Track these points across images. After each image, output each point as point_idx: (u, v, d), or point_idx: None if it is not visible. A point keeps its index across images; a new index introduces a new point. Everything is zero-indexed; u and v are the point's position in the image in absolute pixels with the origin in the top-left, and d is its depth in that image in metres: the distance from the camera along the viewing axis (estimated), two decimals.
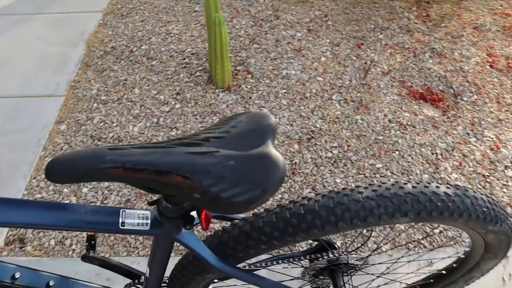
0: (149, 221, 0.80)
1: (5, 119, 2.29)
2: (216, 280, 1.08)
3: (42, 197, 1.90)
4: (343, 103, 2.32)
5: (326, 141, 2.12)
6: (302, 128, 2.18)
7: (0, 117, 2.30)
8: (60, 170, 0.64)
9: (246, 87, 2.41)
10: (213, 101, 2.33)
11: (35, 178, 1.99)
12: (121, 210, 0.80)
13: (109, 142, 2.15)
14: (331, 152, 2.07)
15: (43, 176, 1.99)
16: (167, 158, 0.64)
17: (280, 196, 1.87)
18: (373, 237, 1.73)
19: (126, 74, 2.55)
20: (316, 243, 1.14)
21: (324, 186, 1.91)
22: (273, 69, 2.53)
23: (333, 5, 3.08)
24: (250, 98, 2.35)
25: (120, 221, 0.78)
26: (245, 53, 2.65)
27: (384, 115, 2.25)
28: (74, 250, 1.71)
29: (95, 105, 2.36)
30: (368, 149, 2.08)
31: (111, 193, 1.91)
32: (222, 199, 0.64)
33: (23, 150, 2.12)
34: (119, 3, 3.21)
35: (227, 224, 0.94)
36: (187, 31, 2.86)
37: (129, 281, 1.18)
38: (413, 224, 1.09)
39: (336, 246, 1.15)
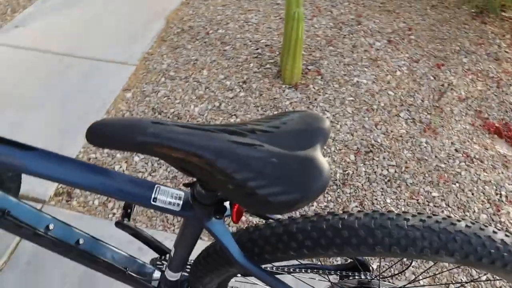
0: (181, 202, 0.79)
1: (78, 78, 2.37)
2: (239, 275, 1.05)
3: (96, 158, 1.95)
4: (410, 122, 2.21)
5: (384, 158, 2.02)
6: (362, 140, 2.10)
7: (73, 75, 2.39)
8: (100, 134, 0.63)
9: (314, 88, 2.35)
10: (278, 96, 2.29)
11: None
12: (156, 186, 0.79)
13: (168, 117, 2.17)
14: (387, 170, 1.97)
15: None
16: (207, 142, 0.61)
17: (325, 204, 1.81)
18: (413, 266, 1.63)
19: (198, 54, 2.57)
20: (350, 260, 1.08)
21: (372, 203, 1.83)
22: (345, 75, 2.45)
23: (419, 19, 2.93)
24: (315, 99, 2.29)
25: (153, 196, 0.78)
26: (319, 54, 2.58)
27: (452, 142, 2.11)
28: (114, 214, 1.74)
29: (163, 79, 2.39)
30: (426, 175, 1.96)
31: (160, 167, 1.92)
32: (256, 196, 0.61)
33: (87, 110, 2.19)
34: None
35: (260, 221, 0.90)
36: (265, 22, 2.84)
37: (156, 255, 1.17)
38: (458, 265, 0.99)
39: (370, 268, 1.08)
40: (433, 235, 0.71)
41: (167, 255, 1.15)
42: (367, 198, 1.84)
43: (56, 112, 2.16)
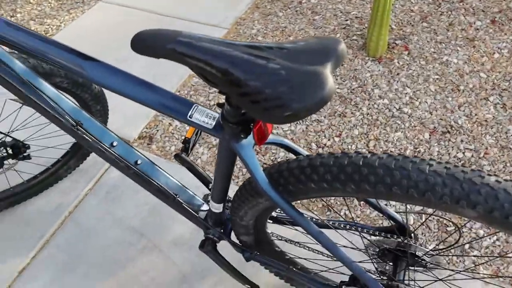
0: (214, 122, 0.86)
1: None
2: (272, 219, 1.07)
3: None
4: (499, 108, 2.04)
5: (462, 141, 1.90)
6: (440, 119, 1.99)
7: None
8: (140, 41, 0.71)
9: (398, 63, 2.26)
10: (359, 67, 2.25)
11: (178, 91, 2.19)
12: (194, 105, 0.86)
13: None
14: (463, 153, 1.86)
15: (186, 92, 2.18)
16: (223, 51, 0.66)
17: None
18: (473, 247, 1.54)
19: (288, 22, 2.59)
20: (391, 224, 1.07)
21: None
22: (434, 52, 2.32)
23: None
24: (397, 74, 2.20)
25: (190, 113, 0.85)
26: (410, 29, 2.47)
27: None
28: None
29: None
30: (508, 164, 1.81)
31: None
32: (260, 104, 0.65)
33: (173, 71, 2.33)
34: None
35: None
36: None
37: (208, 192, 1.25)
38: (479, 222, 0.93)
39: (411, 234, 1.06)
40: (455, 183, 0.68)
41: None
42: None
43: (150, 63, 2.33)
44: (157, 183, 1.10)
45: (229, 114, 0.80)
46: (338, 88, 2.16)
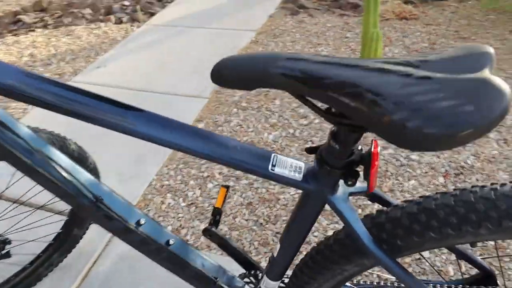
0: (302, 173, 0.68)
1: (153, 110, 2.35)
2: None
3: (169, 184, 1.86)
4: (502, 143, 1.96)
5: (477, 180, 1.77)
6: (450, 162, 1.87)
7: (151, 107, 2.37)
8: (226, 70, 0.55)
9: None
10: None
11: (166, 166, 1.97)
12: (273, 154, 0.69)
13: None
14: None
15: (174, 166, 1.97)
16: (359, 73, 0.51)
17: None
18: None
19: None
20: (477, 273, 0.88)
21: None
22: None
23: (498, 44, 2.72)
24: None
25: (270, 165, 0.68)
26: None
27: None
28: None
29: (235, 110, 2.32)
30: None
31: (235, 193, 1.79)
32: (421, 128, 0.49)
33: (155, 147, 2.13)
34: (273, 25, 3.24)
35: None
36: (336, 53, 2.74)
37: (243, 271, 1.02)
38: None
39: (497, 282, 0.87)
40: None
41: (258, 273, 1.00)
42: None
43: (128, 143, 2.12)
44: (194, 266, 0.87)
45: (333, 155, 0.64)
46: None
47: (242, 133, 2.14)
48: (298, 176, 0.68)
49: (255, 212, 1.71)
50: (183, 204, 1.78)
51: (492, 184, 0.61)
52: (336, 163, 0.65)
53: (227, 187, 1.06)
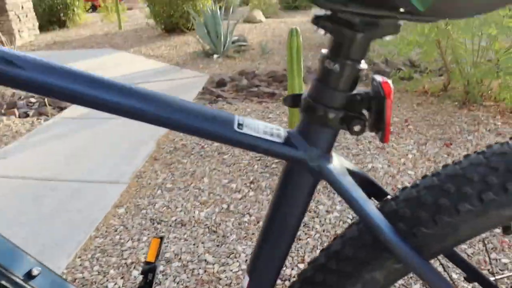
0: (282, 135, 0.48)
1: (64, 199, 1.98)
2: None
3: (83, 277, 1.47)
4: None
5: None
6: None
7: (60, 197, 2.00)
8: None
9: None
10: None
11: (79, 257, 1.58)
12: (237, 116, 0.49)
13: (170, 226, 1.75)
14: None
15: (89, 255, 1.59)
16: None
17: None
18: None
19: (195, 166, 2.26)
20: None
21: None
22: (357, 163, 2.15)
23: (410, 114, 2.79)
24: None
25: (236, 123, 0.47)
26: None
27: None
28: None
29: (159, 192, 2.03)
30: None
31: (167, 278, 1.44)
32: None
33: (74, 229, 1.75)
34: None
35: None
36: None
37: None
38: None
39: None
40: None
41: None
42: None
43: (30, 231, 1.71)
44: None
45: (331, 86, 0.47)
46: None
47: (169, 214, 1.83)
48: (277, 138, 0.46)
49: None
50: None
51: None
52: (335, 100, 0.46)
53: (161, 237, 0.79)
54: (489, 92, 2.95)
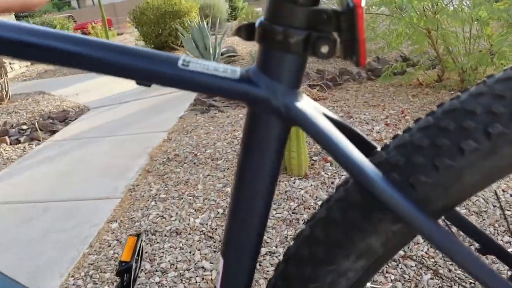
0: (237, 72, 0.40)
1: (56, 219, 1.89)
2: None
3: None
4: None
5: None
6: None
7: (53, 216, 1.91)
8: None
9: (326, 174, 1.94)
10: (289, 188, 1.85)
11: (72, 276, 1.49)
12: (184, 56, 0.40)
13: (165, 235, 1.66)
14: None
15: (83, 273, 1.49)
16: None
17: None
18: None
19: (189, 174, 2.17)
20: None
21: None
22: None
23: (407, 105, 2.71)
24: (332, 182, 1.85)
25: (181, 61, 0.39)
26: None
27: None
28: None
29: (153, 203, 1.94)
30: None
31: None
32: None
33: (66, 247, 1.66)
34: (184, 123, 3.03)
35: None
36: None
37: None
38: None
39: None
40: None
41: None
42: None
43: (19, 253, 1.62)
44: None
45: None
46: (276, 213, 1.69)
47: (163, 223, 1.74)
48: (232, 75, 0.38)
49: None
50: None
51: None
52: (295, 16, 0.37)
53: (138, 235, 0.70)
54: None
